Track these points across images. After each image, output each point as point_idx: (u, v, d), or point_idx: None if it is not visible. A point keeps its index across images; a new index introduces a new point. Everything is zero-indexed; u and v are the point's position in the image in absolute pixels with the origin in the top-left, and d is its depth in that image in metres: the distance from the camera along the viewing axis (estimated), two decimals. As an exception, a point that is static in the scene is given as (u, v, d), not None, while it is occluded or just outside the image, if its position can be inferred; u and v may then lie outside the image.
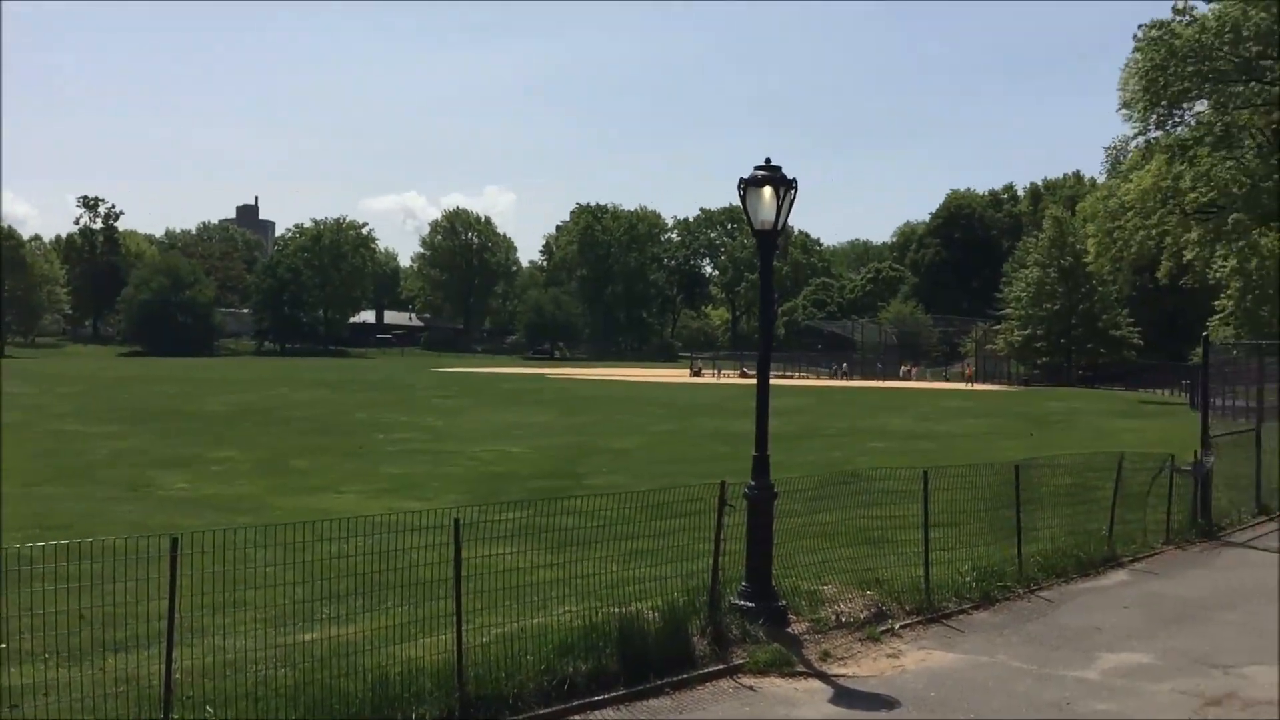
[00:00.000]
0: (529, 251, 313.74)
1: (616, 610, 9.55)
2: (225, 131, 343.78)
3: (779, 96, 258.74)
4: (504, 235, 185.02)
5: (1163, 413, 46.50)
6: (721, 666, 9.55)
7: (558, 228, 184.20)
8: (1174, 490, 16.75)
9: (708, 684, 9.25)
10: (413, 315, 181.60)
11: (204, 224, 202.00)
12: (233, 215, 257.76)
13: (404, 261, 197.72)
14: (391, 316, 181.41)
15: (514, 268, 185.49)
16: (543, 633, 9.01)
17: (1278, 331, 46.01)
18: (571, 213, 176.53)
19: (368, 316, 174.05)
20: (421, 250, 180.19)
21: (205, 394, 51.20)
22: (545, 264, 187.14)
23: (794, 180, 10.85)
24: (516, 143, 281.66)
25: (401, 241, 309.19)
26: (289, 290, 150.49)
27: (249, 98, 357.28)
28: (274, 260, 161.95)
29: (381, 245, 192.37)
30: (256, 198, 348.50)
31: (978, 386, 77.65)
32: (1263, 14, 47.08)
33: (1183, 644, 10.92)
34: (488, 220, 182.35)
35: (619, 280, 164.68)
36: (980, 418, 43.09)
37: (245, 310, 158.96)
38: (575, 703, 8.46)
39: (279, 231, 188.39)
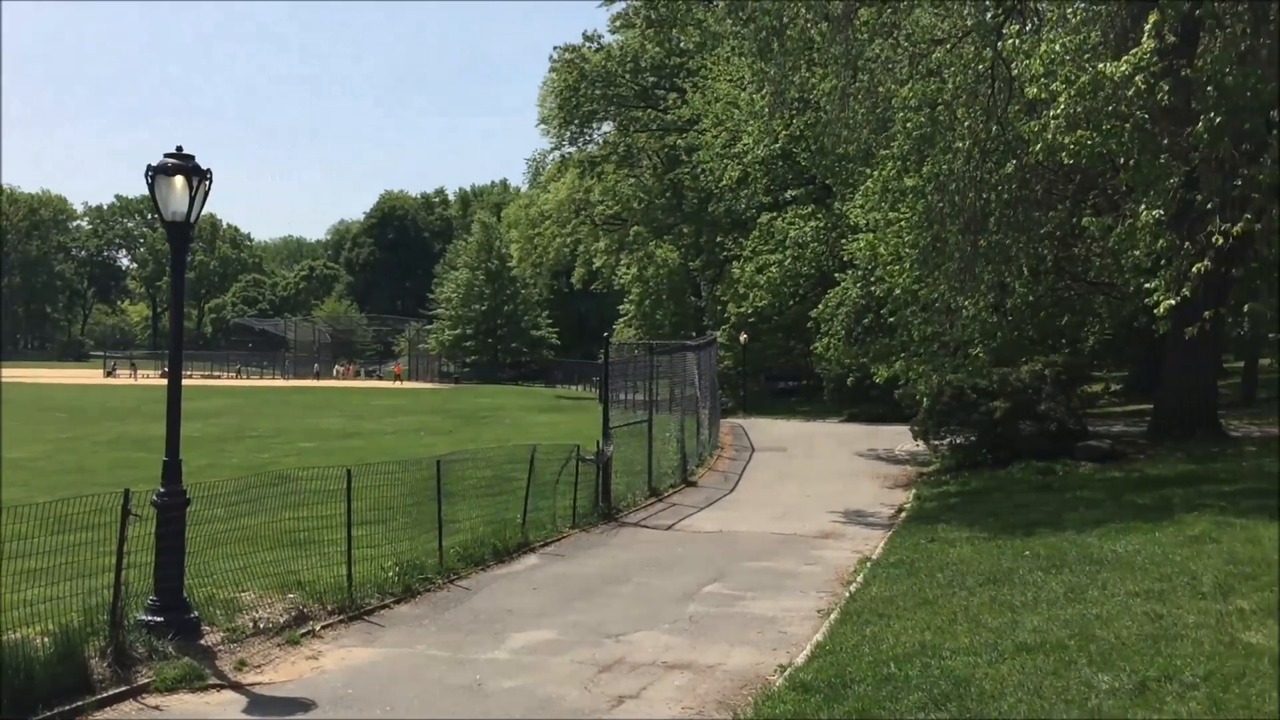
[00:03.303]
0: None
1: (-3, 640, 8.56)
2: None
3: (206, 88, 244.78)
4: None
5: (576, 407, 50.43)
6: (125, 688, 8.90)
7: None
8: (580, 478, 18.30)
9: (107, 709, 8.59)
10: None
11: None
12: None
13: None
14: None
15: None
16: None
17: (669, 331, 52.01)
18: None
19: None
20: None
21: None
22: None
23: (209, 170, 10.45)
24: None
25: None
26: None
27: None
28: None
29: None
30: None
31: (407, 384, 79.30)
32: (658, 49, 52.88)
33: (583, 618, 11.96)
34: None
35: (17, 271, 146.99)
36: (411, 415, 43.97)
37: None
38: (-59, 750, 7.47)
39: None
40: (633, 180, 55.93)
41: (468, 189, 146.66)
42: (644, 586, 13.68)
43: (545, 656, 10.45)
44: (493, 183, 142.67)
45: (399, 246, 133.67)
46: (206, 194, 10.48)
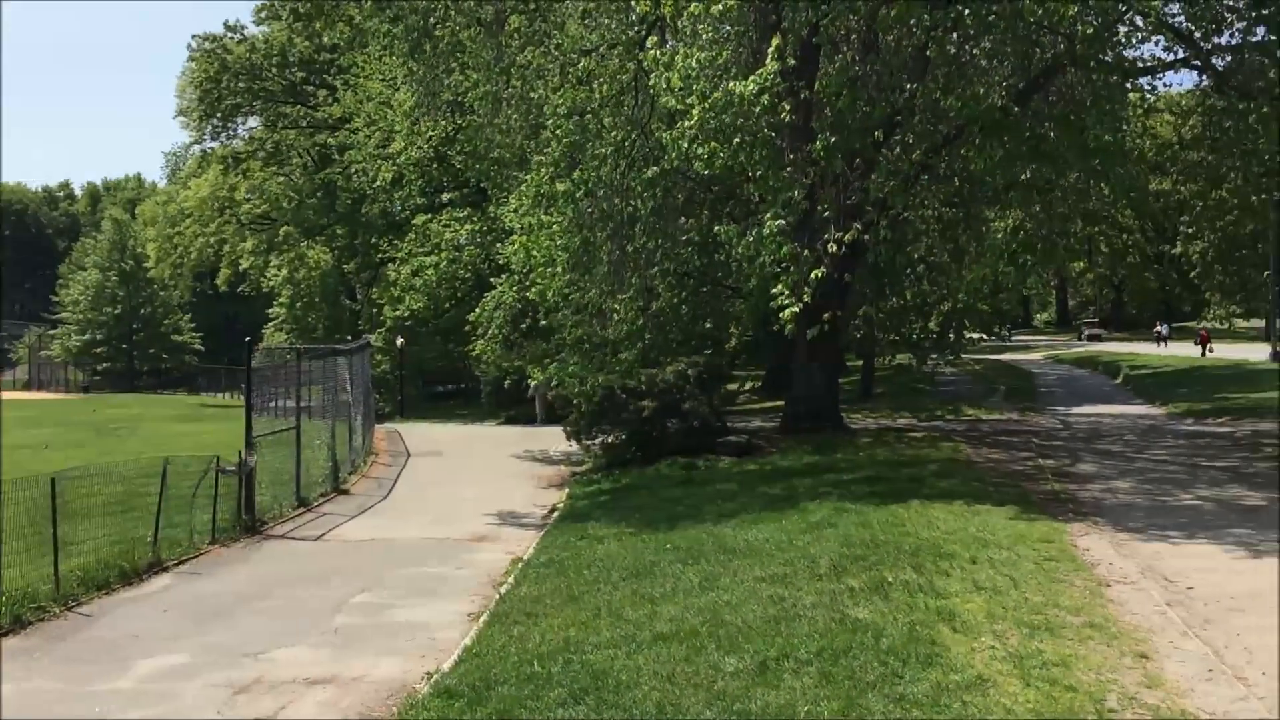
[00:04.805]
0: None
1: None
2: None
3: None
4: None
5: (222, 415, 47.80)
6: None
7: None
8: (221, 490, 17.32)
9: None
10: None
11: None
12: None
13: None
14: None
15: None
16: None
17: (323, 335, 50.46)
18: None
19: None
20: None
21: None
22: None
23: None
24: None
25: None
26: None
27: None
28: None
29: None
30: None
31: (28, 395, 72.27)
32: (306, 43, 51.13)
33: (220, 639, 11.34)
34: None
35: None
36: (35, 428, 40.12)
37: None
38: None
39: None
40: (282, 179, 53.78)
41: (98, 183, 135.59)
42: (289, 601, 13.16)
43: (176, 682, 9.83)
44: (126, 177, 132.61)
45: (17, 244, 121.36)
46: None
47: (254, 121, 54.85)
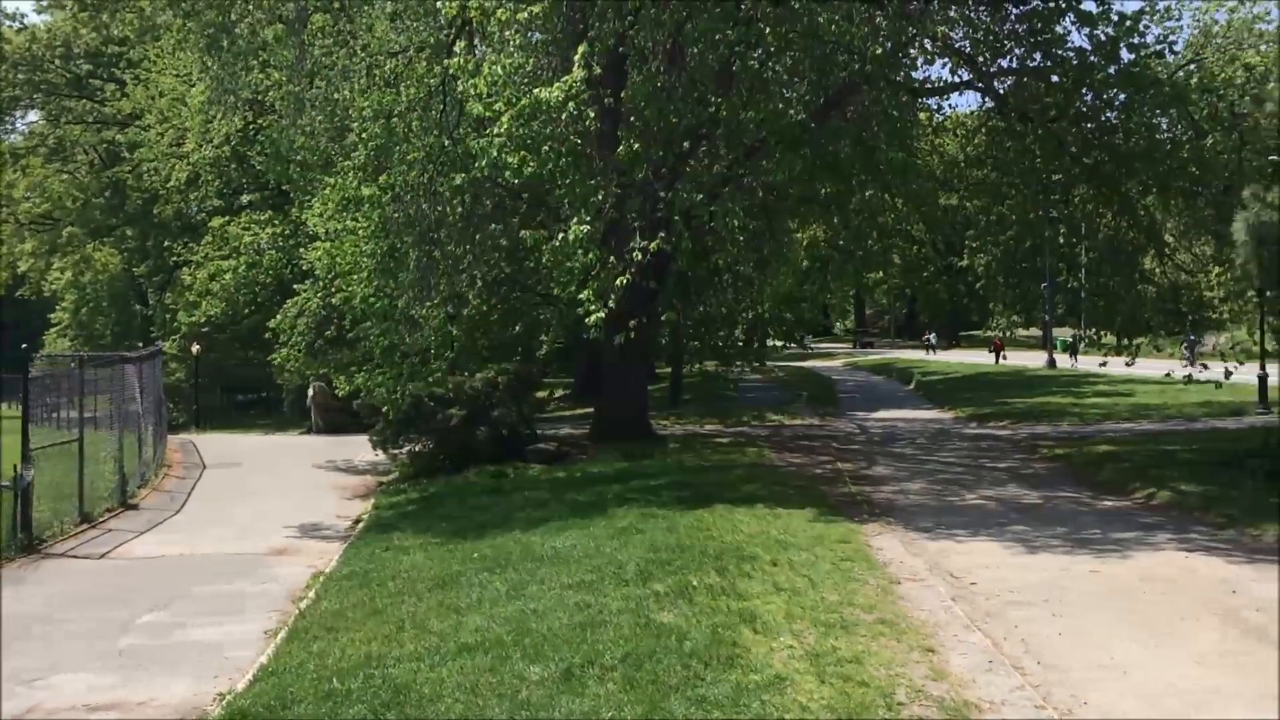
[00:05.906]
0: None
1: None
2: None
3: None
4: None
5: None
6: None
7: None
8: (-5, 507, 16.26)
9: None
10: None
11: None
12: None
13: None
14: None
15: None
16: None
17: (112, 342, 47.87)
18: None
19: None
20: None
21: None
22: None
23: None
24: None
25: None
26: None
27: None
28: None
29: None
30: None
31: None
32: (93, 34, 48.51)
33: (-9, 666, 10.60)
34: None
35: None
36: None
37: None
38: None
39: None
40: (66, 176, 50.78)
41: None
42: (69, 623, 12.39)
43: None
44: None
45: None
46: None
47: (34, 115, 51.80)
